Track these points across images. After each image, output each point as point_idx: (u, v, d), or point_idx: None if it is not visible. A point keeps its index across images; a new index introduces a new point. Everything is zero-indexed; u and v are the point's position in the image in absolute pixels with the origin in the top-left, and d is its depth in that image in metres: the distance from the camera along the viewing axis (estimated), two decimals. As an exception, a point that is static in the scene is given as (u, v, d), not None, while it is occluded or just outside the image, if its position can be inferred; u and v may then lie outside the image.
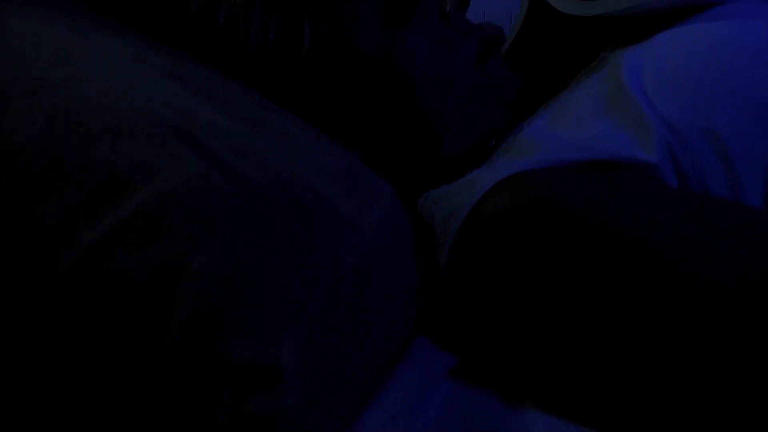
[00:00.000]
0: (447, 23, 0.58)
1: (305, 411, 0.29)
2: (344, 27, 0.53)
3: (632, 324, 0.38)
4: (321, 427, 0.30)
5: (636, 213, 0.41)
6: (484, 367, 0.41)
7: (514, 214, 0.42)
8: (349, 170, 0.43)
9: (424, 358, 0.40)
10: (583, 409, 0.38)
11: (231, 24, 0.50)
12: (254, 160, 0.33)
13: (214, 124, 0.34)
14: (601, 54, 0.60)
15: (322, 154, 0.41)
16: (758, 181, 0.44)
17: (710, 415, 0.35)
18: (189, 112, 0.33)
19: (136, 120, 0.28)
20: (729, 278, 0.36)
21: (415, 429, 0.33)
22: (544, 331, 0.41)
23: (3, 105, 0.29)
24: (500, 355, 0.41)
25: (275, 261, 0.28)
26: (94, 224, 0.25)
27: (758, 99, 0.44)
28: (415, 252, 0.45)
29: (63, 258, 0.25)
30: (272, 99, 0.50)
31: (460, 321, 0.45)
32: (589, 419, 0.36)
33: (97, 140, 0.26)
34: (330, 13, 0.53)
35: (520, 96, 0.61)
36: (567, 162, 0.44)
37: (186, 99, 0.36)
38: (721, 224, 0.40)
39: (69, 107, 0.29)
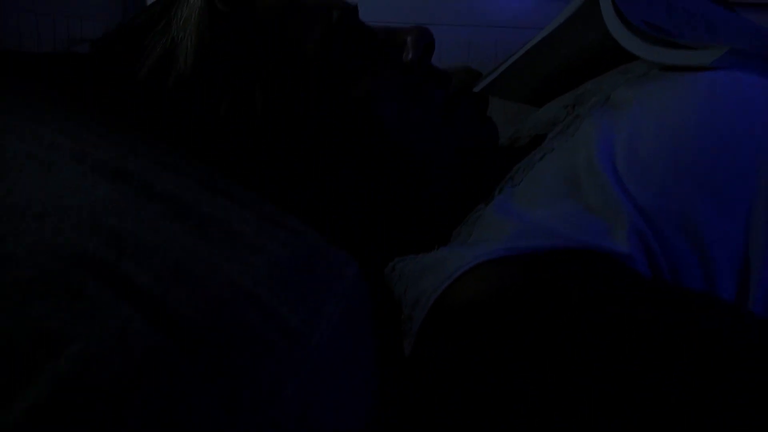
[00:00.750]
0: (410, 73, 0.56)
1: None
2: (297, 91, 0.51)
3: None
4: None
5: (603, 307, 0.40)
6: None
7: (479, 308, 0.41)
8: (306, 263, 0.41)
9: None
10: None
11: (179, 91, 0.49)
12: (190, 283, 0.31)
13: (150, 238, 0.33)
14: (576, 110, 0.57)
15: (275, 250, 0.40)
16: (732, 270, 0.42)
17: None
18: (121, 233, 0.31)
19: (53, 268, 0.27)
20: None
21: None
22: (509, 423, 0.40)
23: None
24: None
25: (198, 427, 0.26)
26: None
27: (733, 185, 0.42)
28: (375, 339, 0.44)
29: None
30: (228, 166, 0.49)
31: (423, 408, 0.43)
32: None
33: (5, 299, 0.25)
34: (281, 79, 0.51)
35: (492, 143, 0.59)
36: (535, 250, 0.42)
37: (124, 207, 0.35)
38: (689, 326, 0.38)
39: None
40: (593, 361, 0.39)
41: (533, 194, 0.48)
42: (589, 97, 0.58)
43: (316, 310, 0.37)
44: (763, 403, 0.32)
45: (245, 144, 0.51)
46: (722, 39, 0.57)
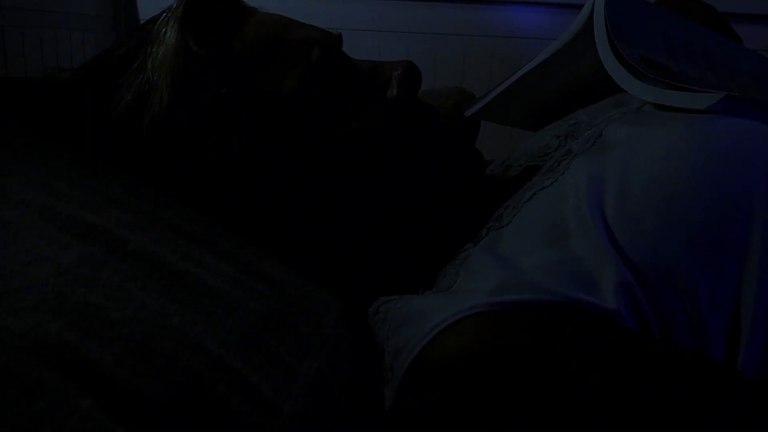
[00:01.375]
0: (395, 110, 0.54)
1: None
2: (275, 134, 0.50)
3: None
4: None
5: (583, 369, 0.39)
6: None
7: (460, 363, 0.40)
8: (282, 318, 0.40)
9: None
10: None
11: (154, 133, 0.48)
12: (158, 359, 0.31)
13: (117, 313, 0.32)
14: (569, 143, 0.56)
15: (250, 306, 0.39)
16: (722, 327, 0.41)
17: None
18: (86, 309, 0.31)
19: (9, 361, 0.26)
20: None
21: None
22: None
23: None
24: None
25: None
26: None
27: (725, 241, 0.41)
28: (356, 384, 0.43)
29: None
30: (207, 209, 0.49)
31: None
32: None
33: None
34: (259, 122, 0.50)
35: (477, 174, 0.58)
36: (520, 304, 0.41)
37: (93, 274, 0.34)
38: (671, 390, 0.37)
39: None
40: (575, 425, 0.38)
41: (520, 239, 0.47)
42: (582, 131, 0.57)
43: (291, 373, 0.37)
44: None
45: (220, 187, 0.50)
46: (722, 73, 0.55)
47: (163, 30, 0.51)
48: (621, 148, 0.47)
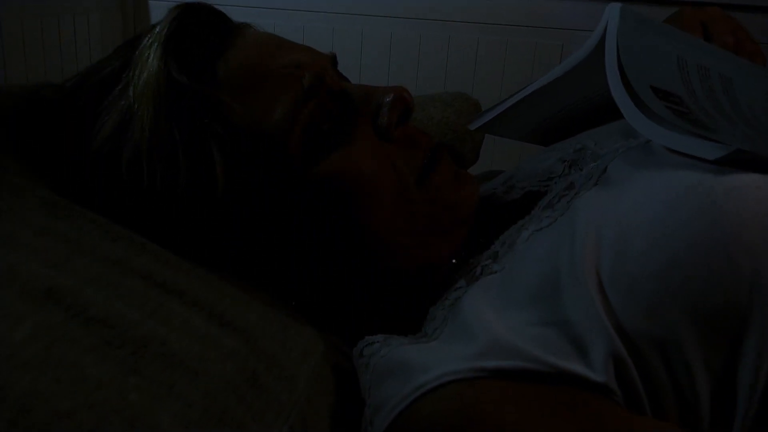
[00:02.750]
0: (385, 137, 0.52)
1: None
2: (263, 166, 0.48)
3: None
4: None
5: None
6: None
7: (440, 425, 0.39)
8: (251, 379, 0.39)
9: None
10: None
11: (135, 164, 0.46)
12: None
13: (70, 391, 0.31)
14: (572, 173, 0.53)
15: (217, 370, 0.38)
16: (716, 405, 0.39)
17: None
18: (36, 393, 0.30)
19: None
20: None
21: None
22: None
23: None
24: None
25: None
26: None
27: (725, 317, 0.38)
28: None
29: None
30: (186, 245, 0.47)
31: None
32: None
33: None
34: (246, 154, 0.48)
35: (467, 210, 0.55)
36: (504, 372, 0.40)
37: (48, 350, 0.33)
38: None
39: None
40: None
41: (512, 288, 0.45)
42: (586, 161, 0.53)
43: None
44: None
45: (204, 223, 0.48)
46: (739, 104, 0.51)
47: (147, 53, 0.48)
48: (623, 196, 0.44)
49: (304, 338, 0.46)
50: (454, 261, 0.54)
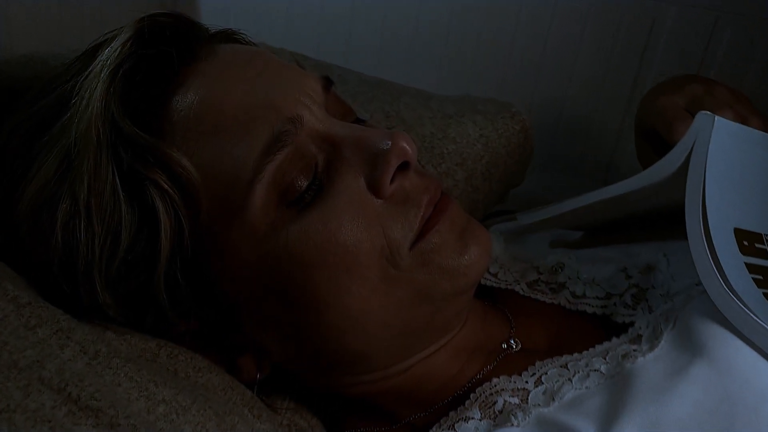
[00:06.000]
0: (378, 195, 0.42)
1: None
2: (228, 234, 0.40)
3: None
4: None
5: None
6: None
7: None
8: None
9: None
10: None
11: (72, 219, 0.38)
12: None
13: None
14: (637, 317, 0.45)
15: None
16: None
17: None
18: None
19: None
20: None
21: None
22: None
23: None
24: None
25: None
26: None
27: None
28: None
29: None
30: (124, 316, 0.41)
31: None
32: None
33: None
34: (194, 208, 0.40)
35: (468, 281, 0.46)
36: None
37: None
38: None
39: None
40: None
41: None
42: (656, 297, 0.47)
43: None
44: None
45: (144, 298, 0.41)
46: None
47: (95, 82, 0.39)
48: (684, 391, 0.38)
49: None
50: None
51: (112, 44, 0.40)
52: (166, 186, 0.39)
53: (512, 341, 0.48)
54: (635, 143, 0.60)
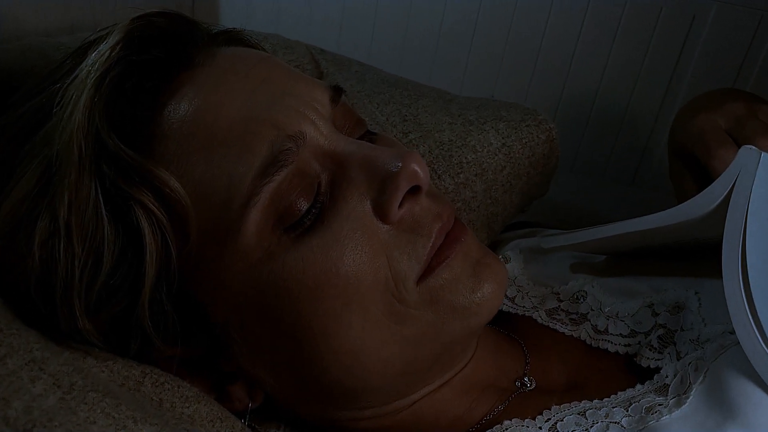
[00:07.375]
0: (385, 221, 0.38)
1: None
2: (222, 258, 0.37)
3: None
4: None
5: None
6: None
7: None
8: None
9: None
10: None
11: (51, 238, 0.35)
12: None
13: None
14: (664, 363, 0.42)
15: None
16: None
17: None
18: None
19: None
20: None
21: None
22: None
23: None
24: None
25: None
26: None
27: None
28: None
29: None
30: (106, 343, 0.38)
31: None
32: None
33: None
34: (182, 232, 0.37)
35: (480, 321, 0.42)
36: None
37: None
38: None
39: None
40: None
41: None
42: (685, 344, 0.43)
43: None
44: None
45: (127, 326, 0.38)
46: None
47: (82, 88, 0.36)
48: None
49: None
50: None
51: (100, 47, 0.37)
52: (153, 207, 0.36)
53: (526, 379, 0.45)
54: (668, 160, 0.56)
